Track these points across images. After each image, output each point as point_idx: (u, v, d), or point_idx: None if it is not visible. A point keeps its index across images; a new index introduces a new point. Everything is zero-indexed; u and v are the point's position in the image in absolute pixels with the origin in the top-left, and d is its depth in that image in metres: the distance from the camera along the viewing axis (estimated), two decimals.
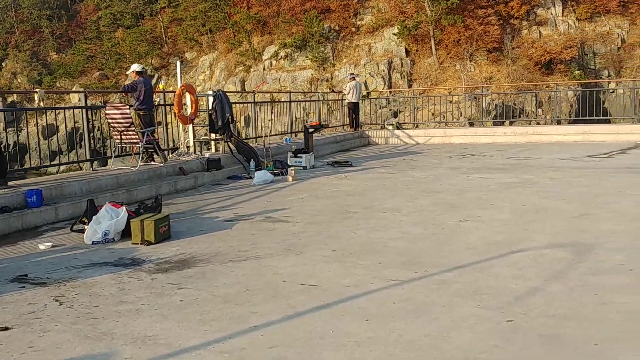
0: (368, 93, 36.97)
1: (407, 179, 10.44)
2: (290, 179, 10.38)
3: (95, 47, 42.60)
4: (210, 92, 11.39)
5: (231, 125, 11.18)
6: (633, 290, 4.45)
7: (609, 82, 37.69)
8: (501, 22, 37.26)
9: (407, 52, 38.05)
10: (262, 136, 16.44)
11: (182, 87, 10.48)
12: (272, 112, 16.78)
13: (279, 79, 37.78)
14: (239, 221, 7.24)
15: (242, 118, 36.41)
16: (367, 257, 5.52)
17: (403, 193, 9.00)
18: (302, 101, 20.05)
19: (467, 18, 36.23)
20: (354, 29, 39.15)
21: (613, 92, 35.77)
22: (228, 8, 38.87)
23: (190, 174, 10.03)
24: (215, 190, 9.71)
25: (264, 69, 38.10)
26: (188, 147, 11.08)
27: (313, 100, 18.33)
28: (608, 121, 31.45)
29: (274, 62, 38.13)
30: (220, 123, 10.95)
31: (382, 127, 18.57)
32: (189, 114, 10.74)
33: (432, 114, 33.09)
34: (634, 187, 8.87)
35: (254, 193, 9.34)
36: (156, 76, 40.62)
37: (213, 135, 11.41)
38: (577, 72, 36.64)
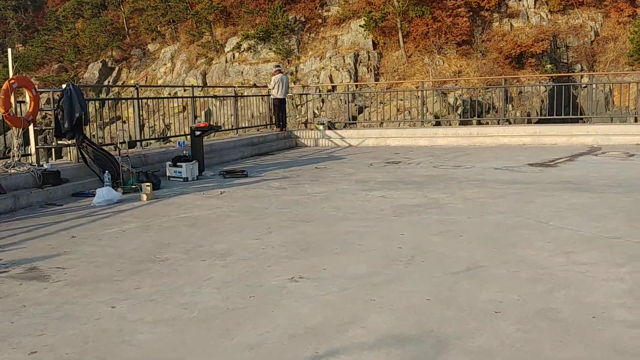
0: (333, 87, 34.65)
1: (291, 198, 8.12)
2: (144, 197, 8.04)
3: (55, 38, 39.98)
4: (64, 87, 8.97)
5: (84, 128, 8.84)
6: None
7: (581, 77, 35.48)
8: (471, 14, 34.88)
9: (375, 45, 35.68)
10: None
11: (12, 81, 8.08)
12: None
13: (242, 72, 35.36)
14: None
15: (203, 113, 34.08)
16: None
17: (264, 222, 6.68)
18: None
19: (435, 10, 33.86)
20: (320, 21, 36.73)
21: (586, 87, 33.54)
22: None
23: (11, 192, 7.65)
24: (34, 215, 7.35)
25: (226, 62, 35.67)
26: (29, 155, 8.73)
27: (226, 96, 15.89)
28: (581, 119, 29.26)
29: (236, 55, 35.69)
30: (67, 125, 8.59)
31: (310, 127, 16.22)
32: (25, 114, 8.39)
33: (398, 110, 30.87)
34: (563, 215, 6.59)
35: (74, 220, 6.98)
36: (117, 69, 38.13)
37: (68, 141, 9.04)
38: (548, 66, 34.37)
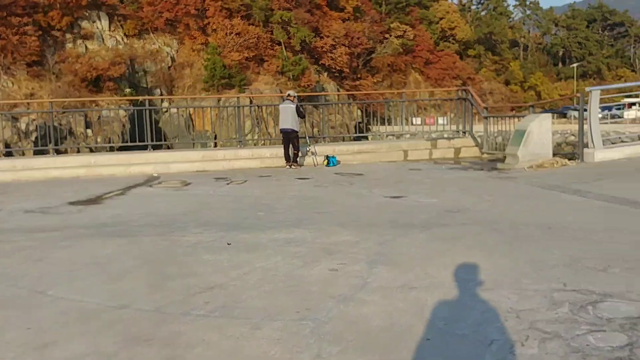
0: None
1: None
2: None
3: None
4: None
5: None
6: None
7: (161, 101, 35.58)
8: (41, 33, 31.76)
9: None
10: None
11: None
12: None
13: None
14: None
15: None
16: None
17: None
18: None
19: None
20: None
21: (167, 111, 33.75)
22: None
23: None
24: None
25: None
26: None
27: None
28: (165, 145, 28.91)
29: None
30: None
31: None
32: None
33: None
34: (76, 275, 5.00)
35: None
36: None
37: None
38: (128, 90, 33.57)
